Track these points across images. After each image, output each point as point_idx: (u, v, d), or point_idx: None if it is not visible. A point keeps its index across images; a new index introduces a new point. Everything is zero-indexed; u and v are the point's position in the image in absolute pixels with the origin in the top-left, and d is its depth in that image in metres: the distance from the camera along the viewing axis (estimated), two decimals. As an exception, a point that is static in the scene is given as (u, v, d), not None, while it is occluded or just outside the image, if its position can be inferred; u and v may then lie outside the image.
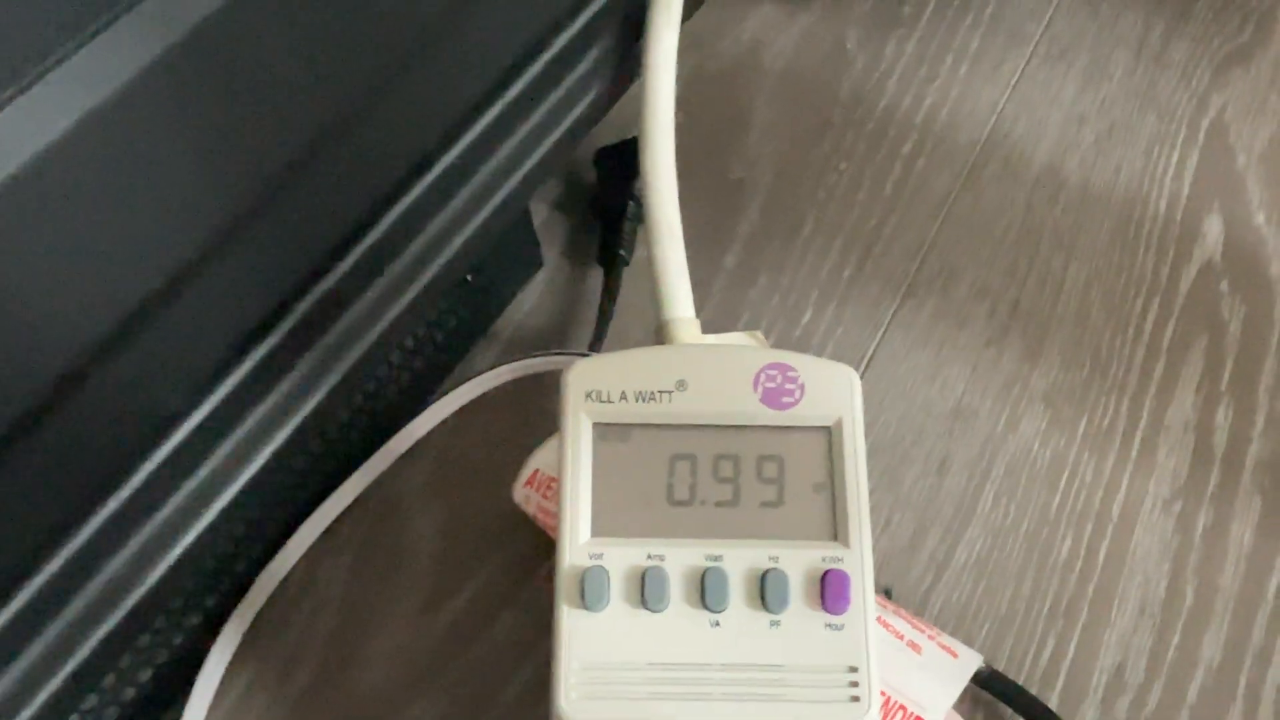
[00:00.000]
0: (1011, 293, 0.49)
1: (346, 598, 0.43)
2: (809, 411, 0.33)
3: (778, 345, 0.48)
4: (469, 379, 0.46)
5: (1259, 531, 0.43)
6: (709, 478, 0.32)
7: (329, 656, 0.42)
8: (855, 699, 0.30)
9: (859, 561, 0.31)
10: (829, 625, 0.31)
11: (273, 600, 0.42)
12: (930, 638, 0.38)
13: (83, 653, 0.31)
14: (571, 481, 0.32)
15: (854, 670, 0.30)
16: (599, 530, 0.32)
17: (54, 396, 0.26)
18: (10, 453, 0.26)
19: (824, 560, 0.31)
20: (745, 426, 0.33)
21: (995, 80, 0.57)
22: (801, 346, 0.48)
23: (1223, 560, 0.42)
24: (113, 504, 0.31)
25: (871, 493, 0.44)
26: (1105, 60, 0.57)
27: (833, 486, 0.32)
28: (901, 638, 0.37)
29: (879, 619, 0.38)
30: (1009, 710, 0.39)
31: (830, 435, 0.33)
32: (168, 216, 0.27)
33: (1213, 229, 0.50)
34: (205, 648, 0.40)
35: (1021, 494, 0.44)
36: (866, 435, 0.45)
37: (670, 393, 0.33)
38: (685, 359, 0.34)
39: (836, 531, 0.32)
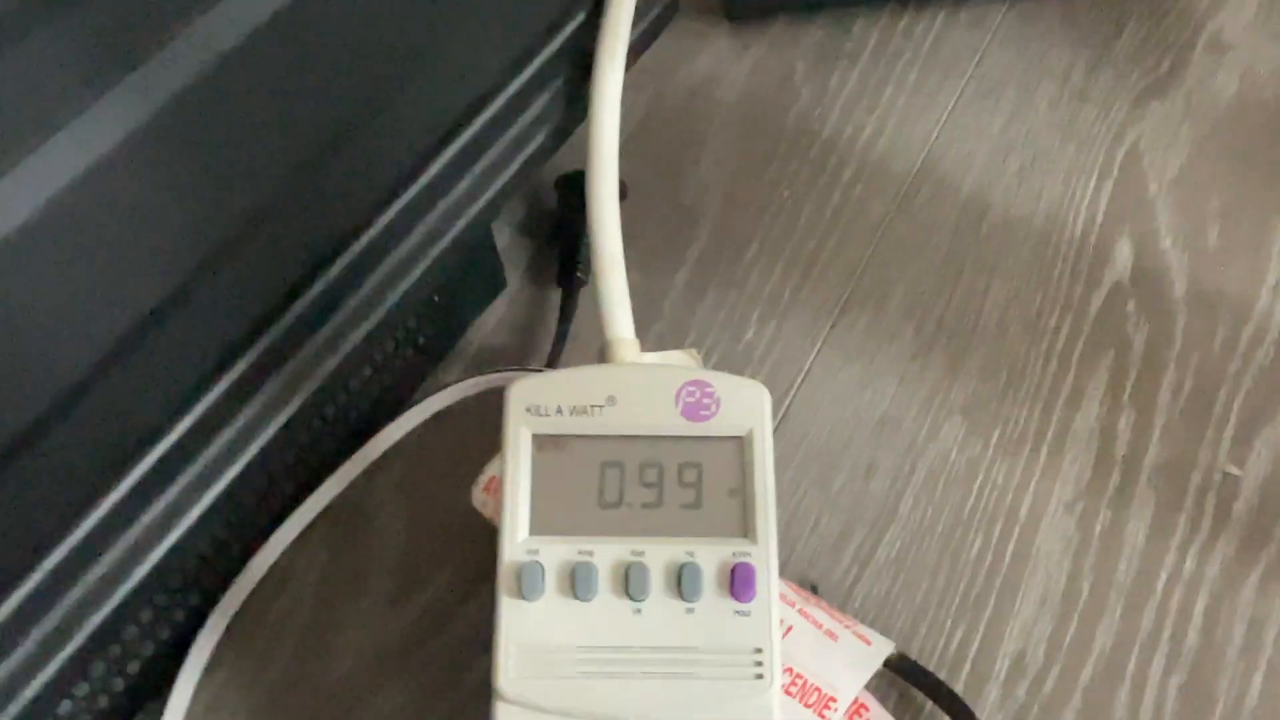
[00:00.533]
0: (937, 311, 0.53)
1: (319, 594, 0.47)
2: (724, 423, 0.37)
3: (722, 358, 0.53)
4: (436, 392, 0.50)
5: (1151, 530, 0.47)
6: (635, 483, 0.37)
7: (302, 648, 0.45)
8: (760, 676, 0.34)
9: (765, 555, 0.35)
10: (738, 612, 0.35)
11: (252, 596, 0.46)
12: (847, 627, 0.42)
13: (76, 643, 0.35)
14: (511, 486, 0.36)
15: (759, 651, 0.34)
16: (536, 529, 0.36)
17: (54, 410, 0.30)
18: (12, 461, 0.30)
19: (734, 555, 0.35)
20: (668, 437, 0.37)
21: (930, 111, 0.61)
22: (744, 360, 0.52)
23: (1118, 557, 0.46)
24: (102, 508, 0.35)
25: (803, 496, 0.48)
26: (1031, 94, 0.61)
27: (744, 490, 0.36)
28: (820, 626, 0.41)
29: (800, 610, 0.42)
30: (919, 693, 0.43)
31: (743, 444, 0.37)
32: (154, 252, 0.31)
33: (1123, 253, 0.55)
34: (189, 641, 0.44)
35: (939, 497, 0.48)
36: (800, 443, 0.49)
37: (601, 407, 0.37)
38: (615, 377, 0.38)
39: (747, 529, 0.36)
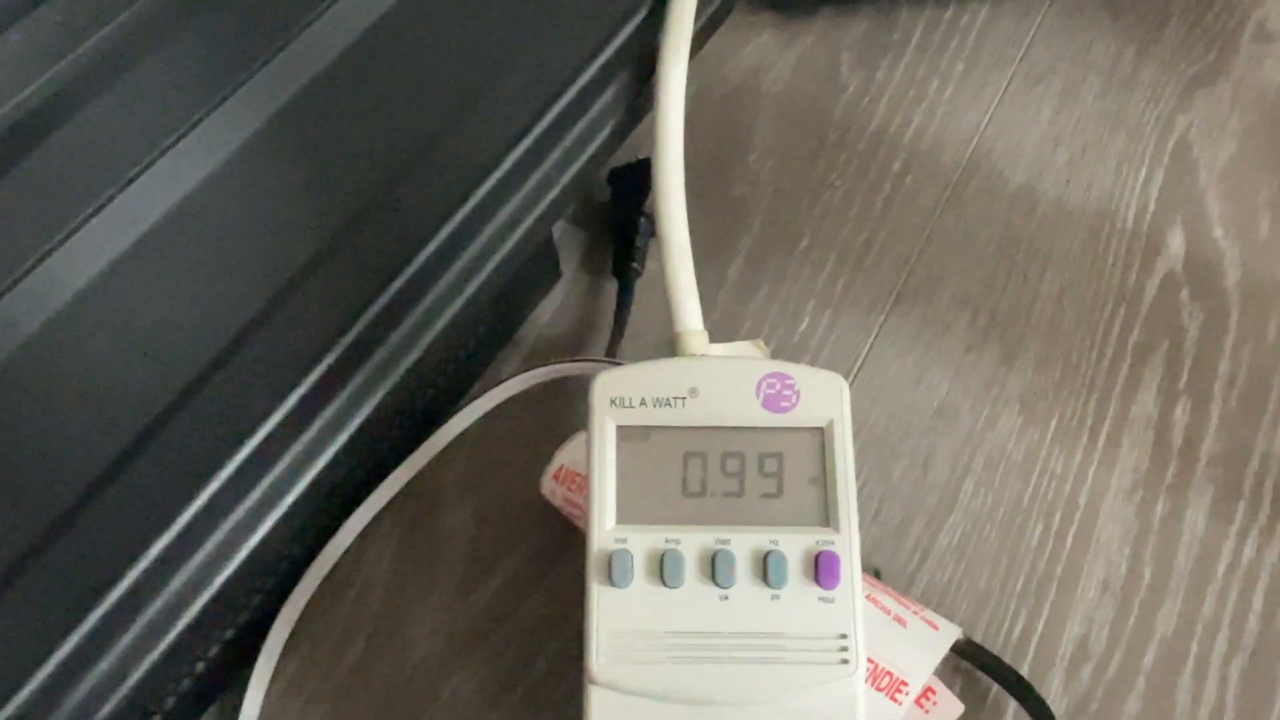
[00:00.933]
0: (990, 301, 0.54)
1: (390, 581, 0.48)
2: (804, 414, 0.38)
3: (777, 350, 0.53)
4: (498, 383, 0.51)
5: (1210, 517, 0.47)
6: (718, 472, 0.37)
7: (375, 634, 0.46)
8: (845, 661, 0.35)
9: (847, 544, 0.36)
10: (822, 599, 0.35)
11: (324, 584, 0.47)
12: (914, 613, 0.43)
13: (176, 631, 0.36)
14: (599, 476, 0.37)
15: (844, 637, 0.35)
16: (623, 518, 0.37)
17: (167, 411, 0.31)
18: (119, 466, 0.31)
19: (817, 543, 0.36)
20: (749, 428, 0.38)
21: (977, 102, 0.61)
22: (799, 352, 0.53)
23: (1177, 544, 0.47)
24: (201, 499, 0.35)
25: (863, 485, 0.49)
26: (1079, 84, 0.61)
27: (825, 479, 0.37)
28: (888, 612, 0.42)
29: (868, 596, 0.43)
30: (985, 677, 0.44)
31: (823, 435, 0.37)
32: (261, 258, 0.32)
33: (1175, 241, 0.55)
34: (265, 630, 0.45)
35: (998, 485, 0.49)
36: (859, 432, 0.50)
37: (684, 399, 0.38)
38: (696, 369, 0.39)
39: (828, 518, 0.37)
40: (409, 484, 0.49)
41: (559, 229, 0.58)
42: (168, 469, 0.33)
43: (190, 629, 0.35)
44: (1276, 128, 0.58)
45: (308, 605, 0.47)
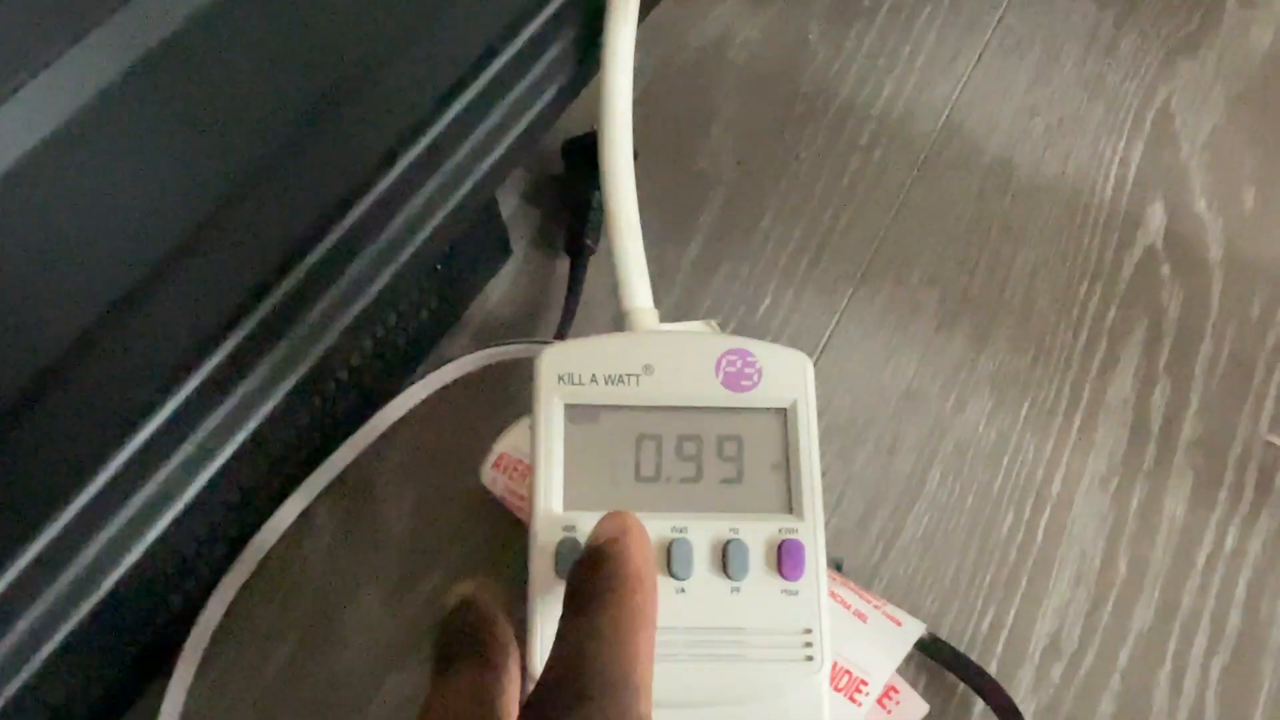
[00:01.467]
0: (962, 280, 0.51)
1: (324, 577, 0.44)
2: (766, 394, 0.35)
3: (738, 331, 0.50)
4: (441, 366, 0.48)
5: (1189, 506, 0.45)
6: (674, 456, 0.34)
7: (307, 634, 0.43)
8: (809, 658, 0.32)
9: (812, 532, 0.33)
10: (785, 591, 0.33)
11: (253, 579, 0.44)
12: (876, 608, 0.40)
13: (67, 628, 0.33)
14: (545, 459, 0.34)
15: (809, 632, 0.32)
16: (571, 504, 0.34)
17: (40, 383, 0.28)
18: None
19: (780, 531, 0.33)
20: (707, 408, 0.35)
21: (950, 72, 0.59)
22: (760, 332, 0.50)
23: (1154, 534, 0.44)
24: (91, 489, 0.32)
25: (825, 472, 0.46)
26: (1057, 52, 0.59)
27: (788, 464, 0.34)
28: (849, 608, 0.40)
29: (829, 591, 0.40)
30: (951, 675, 0.41)
31: (786, 416, 0.35)
32: (139, 216, 0.29)
33: (1155, 216, 0.53)
34: (187, 627, 0.42)
35: (967, 472, 0.46)
36: (821, 417, 0.47)
37: (637, 376, 0.35)
38: (652, 344, 0.36)
39: (791, 505, 0.34)
40: (347, 473, 0.46)
41: (510, 205, 0.55)
42: (40, 458, 0.29)
43: (81, 630, 0.32)
44: (1263, 97, 0.56)
45: (234, 601, 0.43)
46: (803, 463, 0.34)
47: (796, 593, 0.33)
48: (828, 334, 0.50)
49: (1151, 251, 0.52)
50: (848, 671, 0.38)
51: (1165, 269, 0.51)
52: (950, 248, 0.52)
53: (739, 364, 0.35)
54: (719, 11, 0.62)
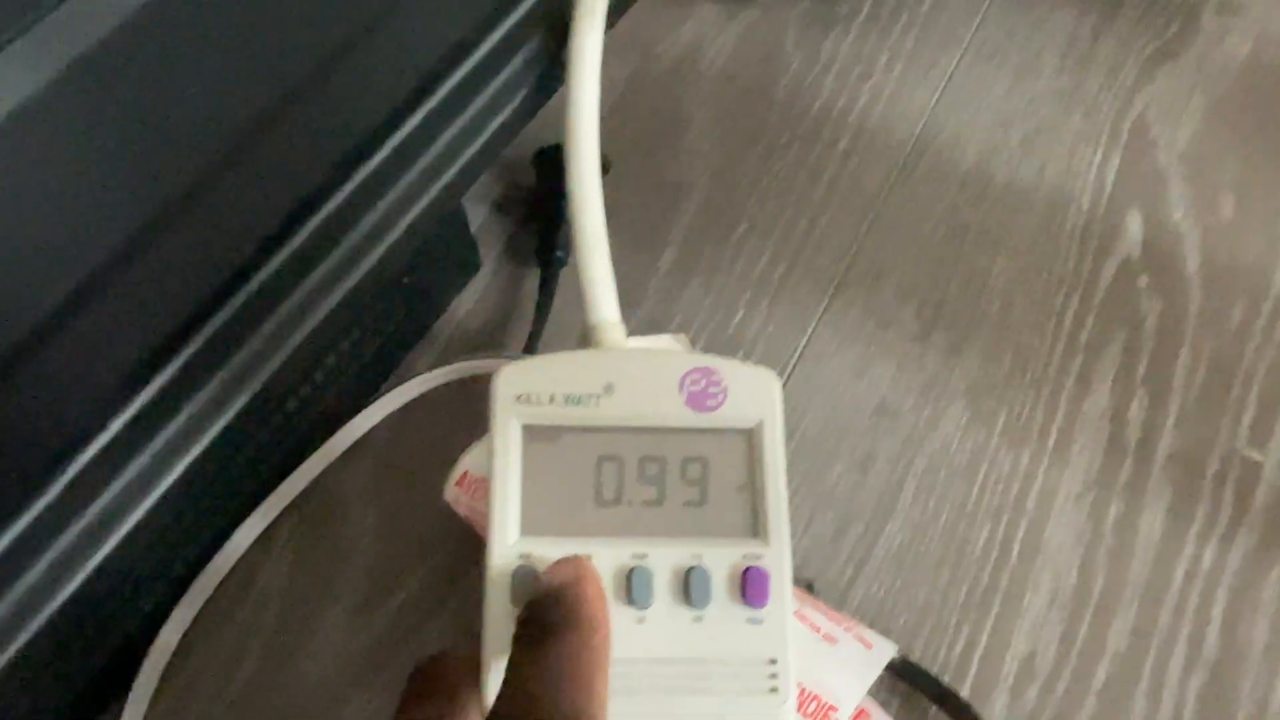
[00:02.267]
0: (937, 291, 0.51)
1: (286, 597, 0.43)
2: (732, 414, 0.34)
3: (710, 343, 0.50)
4: (407, 380, 0.47)
5: (1167, 522, 0.44)
6: (635, 479, 0.33)
7: (268, 655, 0.42)
8: (774, 690, 0.31)
9: (778, 558, 0.32)
10: (750, 620, 0.32)
11: (214, 599, 0.43)
12: (846, 630, 0.39)
13: (12, 649, 0.32)
14: (501, 483, 0.33)
15: (773, 663, 0.31)
16: (528, 529, 0.33)
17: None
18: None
19: (745, 557, 0.32)
20: (670, 429, 0.34)
21: (927, 80, 0.58)
22: (733, 344, 0.49)
23: (1132, 550, 0.44)
24: (35, 508, 0.31)
25: (797, 489, 0.46)
26: (1034, 60, 0.58)
27: (753, 486, 0.33)
28: (818, 630, 0.39)
29: (797, 612, 0.40)
30: (924, 698, 0.40)
31: (751, 437, 0.34)
32: (83, 220, 0.28)
33: (1133, 226, 0.52)
34: (145, 649, 0.41)
35: (941, 488, 0.45)
36: (794, 432, 0.46)
37: (598, 396, 0.34)
38: (613, 362, 0.35)
39: (757, 529, 0.33)
40: (310, 490, 0.45)
41: (480, 216, 0.54)
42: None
43: (27, 653, 0.31)
44: (1240, 105, 0.55)
45: (195, 620, 0.42)
46: (769, 485, 0.33)
47: (761, 621, 0.32)
48: (801, 346, 0.50)
49: (1129, 262, 0.51)
50: (816, 697, 0.38)
51: (1143, 280, 0.50)
52: (926, 258, 0.52)
53: (703, 383, 0.34)
54: (692, 20, 0.61)
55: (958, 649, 0.42)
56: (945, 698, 0.40)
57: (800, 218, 0.53)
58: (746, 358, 0.49)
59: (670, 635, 0.32)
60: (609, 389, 0.34)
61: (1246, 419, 0.46)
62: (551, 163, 0.53)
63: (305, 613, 0.43)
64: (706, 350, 0.50)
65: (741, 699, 0.31)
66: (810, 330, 0.50)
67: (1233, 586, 0.43)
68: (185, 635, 0.42)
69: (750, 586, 0.32)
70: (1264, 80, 0.56)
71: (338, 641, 0.42)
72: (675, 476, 0.33)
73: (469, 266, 0.52)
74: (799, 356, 0.49)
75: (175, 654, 0.42)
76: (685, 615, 0.32)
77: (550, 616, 0.27)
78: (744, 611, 0.32)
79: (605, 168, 0.53)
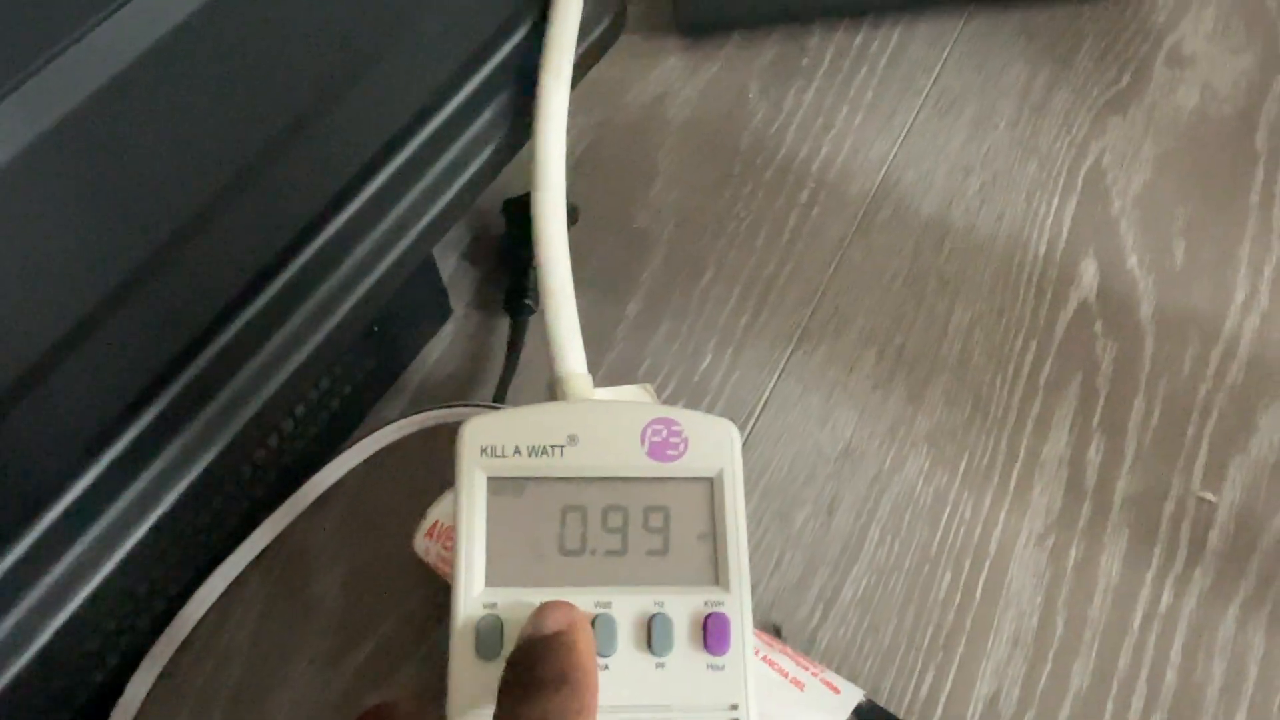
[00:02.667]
0: (898, 337, 0.52)
1: (253, 649, 0.44)
2: (692, 464, 0.35)
3: (676, 390, 0.50)
4: (376, 429, 0.47)
5: (1125, 563, 0.45)
6: (599, 528, 0.34)
7: (235, 708, 0.42)
8: (734, 736, 0.32)
9: (739, 604, 0.33)
10: (711, 666, 0.32)
11: (181, 651, 0.43)
12: (814, 674, 0.40)
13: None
14: (466, 534, 0.33)
15: (734, 707, 0.32)
16: (493, 580, 0.33)
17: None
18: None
19: (706, 604, 0.33)
20: (632, 478, 0.34)
21: (887, 130, 0.59)
22: (700, 391, 0.50)
23: (1091, 592, 0.44)
24: (7, 561, 0.31)
25: (764, 534, 0.46)
26: (991, 111, 0.60)
27: (714, 534, 0.34)
28: (786, 675, 0.39)
29: (764, 657, 0.40)
30: (893, 740, 0.41)
31: (712, 486, 0.34)
32: (61, 275, 0.28)
33: (1088, 272, 0.53)
34: (111, 704, 0.41)
35: (905, 532, 0.46)
36: (760, 476, 0.47)
37: (562, 447, 0.34)
38: (576, 414, 0.35)
39: (718, 577, 0.33)
40: (279, 542, 0.46)
41: (450, 265, 0.55)
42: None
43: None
44: (1191, 154, 0.57)
45: (160, 676, 0.42)
46: (729, 533, 0.34)
47: (722, 668, 0.32)
48: (766, 392, 0.50)
49: (1085, 307, 0.52)
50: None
51: (1098, 325, 0.51)
52: (887, 305, 0.53)
53: (664, 433, 0.35)
54: (658, 72, 0.62)
55: (923, 691, 0.42)
56: (910, 741, 0.40)
57: (765, 265, 0.54)
58: (713, 403, 0.50)
59: (633, 683, 0.32)
60: (573, 440, 0.35)
61: (1200, 461, 0.47)
62: (520, 213, 0.54)
63: (272, 666, 0.43)
64: (673, 397, 0.51)
65: (703, 746, 0.32)
66: (775, 376, 0.51)
67: (1190, 626, 0.44)
68: (150, 692, 0.42)
69: (712, 633, 0.32)
70: (1211, 130, 0.58)
71: (304, 694, 0.42)
72: (637, 526, 0.34)
73: (439, 315, 0.53)
74: (764, 402, 0.50)
75: (141, 709, 0.42)
76: (648, 663, 0.32)
77: (543, 670, 0.28)
78: (705, 658, 0.32)
79: (573, 217, 0.54)
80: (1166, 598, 0.44)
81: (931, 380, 0.50)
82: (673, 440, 0.35)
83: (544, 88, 0.44)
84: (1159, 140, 0.58)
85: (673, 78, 0.62)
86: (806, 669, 0.40)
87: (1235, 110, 0.59)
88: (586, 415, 0.35)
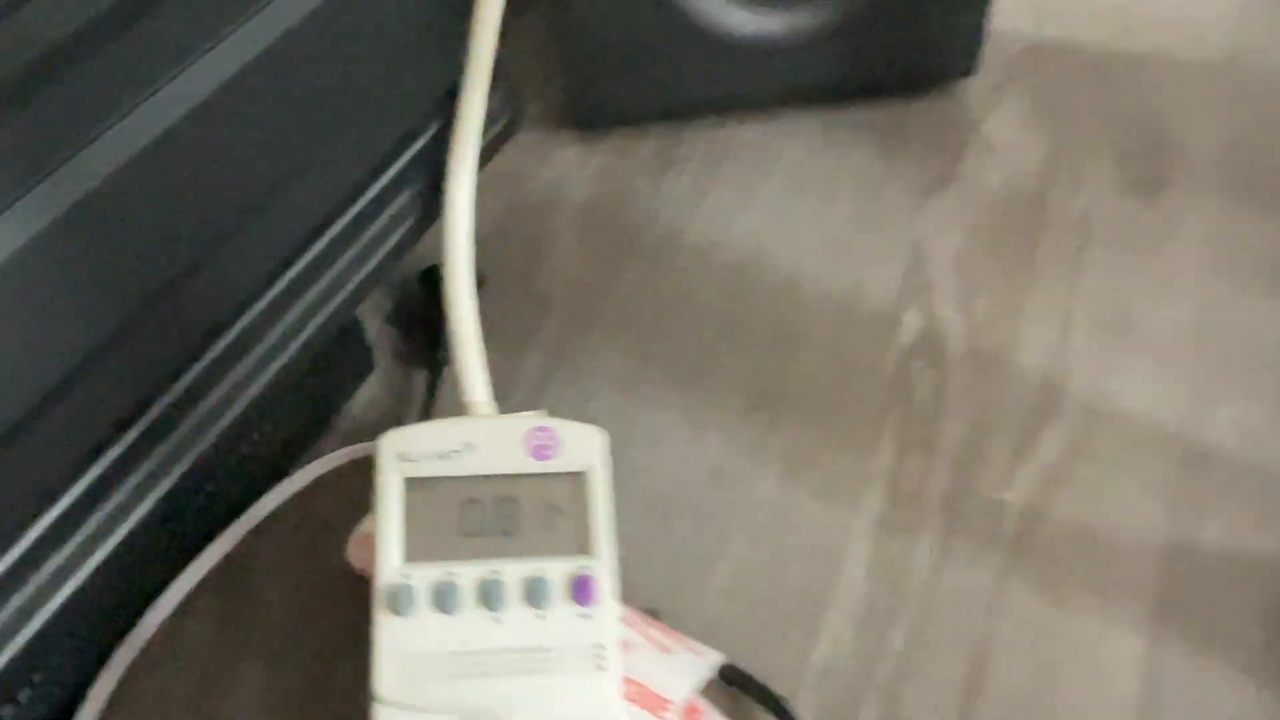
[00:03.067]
0: (761, 378, 0.61)
1: (205, 661, 0.51)
2: (567, 461, 0.44)
3: (571, 425, 0.59)
4: (312, 462, 0.56)
5: (937, 554, 0.55)
6: (493, 514, 0.43)
7: (193, 711, 0.50)
8: (601, 668, 0.40)
9: (604, 568, 0.42)
10: (581, 615, 0.41)
11: (134, 667, 0.50)
12: (680, 642, 0.48)
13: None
14: (385, 521, 0.42)
15: (600, 646, 0.41)
16: (408, 557, 0.42)
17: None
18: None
19: (578, 568, 0.42)
20: (519, 474, 0.43)
21: (752, 209, 0.70)
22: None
23: (910, 575, 0.54)
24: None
25: (647, 544, 0.55)
26: (835, 191, 0.71)
27: (585, 515, 0.43)
28: (655, 641, 0.48)
29: (640, 630, 0.49)
30: (750, 700, 0.50)
31: (583, 478, 0.44)
32: (33, 349, 0.36)
33: (913, 322, 0.64)
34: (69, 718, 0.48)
35: (766, 538, 0.55)
36: (640, 495, 0.56)
37: (461, 452, 0.43)
38: (473, 427, 0.45)
39: (588, 548, 0.42)
40: (224, 562, 0.53)
41: (375, 327, 0.64)
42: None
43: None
44: (996, 224, 0.68)
45: (115, 695, 0.49)
46: (598, 514, 0.43)
47: (590, 616, 0.41)
48: (651, 425, 0.60)
49: (908, 349, 0.62)
50: (654, 694, 0.46)
51: (919, 363, 0.62)
52: (751, 353, 0.63)
53: (543, 438, 0.44)
54: (556, 160, 0.73)
55: (780, 659, 0.51)
56: (765, 696, 0.49)
57: (649, 324, 0.64)
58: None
59: (520, 630, 0.41)
60: (470, 446, 0.44)
61: (999, 468, 0.58)
62: (435, 280, 0.63)
63: (221, 677, 0.50)
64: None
65: (577, 676, 0.40)
66: (657, 413, 0.60)
67: (987, 602, 0.53)
68: (112, 699, 0.49)
69: (581, 590, 0.41)
70: (1012, 205, 0.69)
71: (257, 694, 0.50)
72: (524, 511, 0.43)
73: (364, 370, 0.61)
74: (649, 433, 0.59)
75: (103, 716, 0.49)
76: (531, 614, 0.41)
77: None
78: (576, 609, 0.41)
79: (481, 282, 0.64)
80: (970, 579, 0.54)
81: (786, 412, 0.60)
82: (550, 443, 0.44)
83: (452, 171, 0.54)
84: (972, 214, 0.69)
85: (569, 165, 0.72)
86: (674, 638, 0.48)
87: (1033, 189, 0.70)
88: (482, 426, 0.45)
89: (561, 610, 0.41)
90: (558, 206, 0.70)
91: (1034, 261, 0.67)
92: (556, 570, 0.42)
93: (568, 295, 0.65)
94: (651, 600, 0.53)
